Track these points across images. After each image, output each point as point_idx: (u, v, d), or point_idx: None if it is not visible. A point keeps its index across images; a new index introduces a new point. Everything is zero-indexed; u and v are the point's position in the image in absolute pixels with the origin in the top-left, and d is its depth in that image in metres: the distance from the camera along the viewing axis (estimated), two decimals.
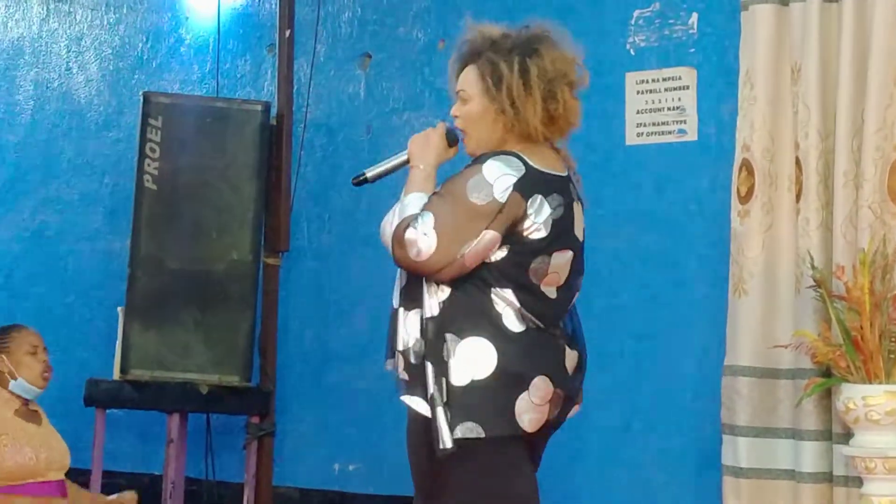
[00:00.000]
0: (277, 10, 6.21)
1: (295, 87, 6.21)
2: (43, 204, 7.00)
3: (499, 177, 3.63)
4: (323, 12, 6.31)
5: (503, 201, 3.62)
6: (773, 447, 5.06)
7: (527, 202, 3.65)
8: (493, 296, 3.66)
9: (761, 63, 5.15)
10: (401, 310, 3.72)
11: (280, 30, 6.16)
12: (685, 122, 5.48)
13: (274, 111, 6.09)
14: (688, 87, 5.48)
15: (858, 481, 4.71)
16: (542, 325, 3.70)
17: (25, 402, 5.01)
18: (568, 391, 3.77)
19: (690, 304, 5.39)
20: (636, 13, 5.61)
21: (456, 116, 3.82)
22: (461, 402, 3.60)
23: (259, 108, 6.04)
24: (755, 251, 5.11)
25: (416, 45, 6.14)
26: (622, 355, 5.45)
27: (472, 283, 3.66)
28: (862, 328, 4.68)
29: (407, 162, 3.81)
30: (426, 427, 3.63)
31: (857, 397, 4.63)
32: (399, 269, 3.75)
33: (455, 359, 3.61)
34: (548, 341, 3.73)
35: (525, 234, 3.66)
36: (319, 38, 6.29)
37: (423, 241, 3.58)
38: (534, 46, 3.75)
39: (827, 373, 4.84)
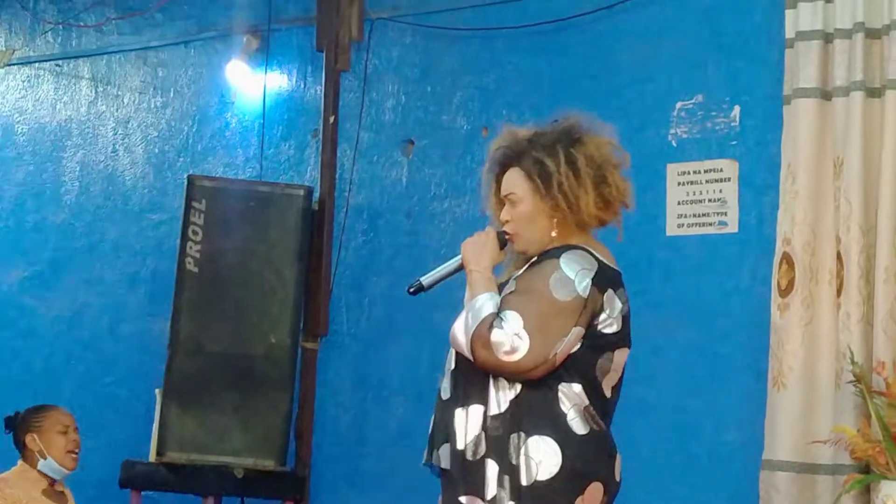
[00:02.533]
0: (322, 95, 6.26)
1: (338, 173, 6.25)
2: (85, 284, 7.05)
3: (578, 271, 3.61)
4: (367, 99, 6.36)
5: (586, 296, 3.59)
6: None
7: (603, 296, 3.63)
8: (559, 392, 3.61)
9: (803, 156, 5.15)
10: (458, 406, 3.66)
11: (324, 115, 6.22)
12: (726, 213, 5.47)
13: (316, 196, 6.12)
14: (729, 179, 5.48)
15: None
16: (602, 426, 3.66)
17: (52, 482, 5.01)
18: (612, 498, 3.73)
19: (729, 397, 5.35)
20: (679, 105, 5.63)
21: (506, 221, 3.78)
22: (527, 501, 3.56)
23: (301, 192, 6.08)
24: (795, 345, 5.08)
25: (459, 133, 6.17)
26: (659, 447, 5.40)
27: (543, 380, 3.61)
28: None
29: (461, 267, 3.79)
30: None
31: None
32: (448, 361, 3.72)
33: (523, 457, 3.57)
34: (606, 445, 3.68)
35: (599, 328, 3.64)
36: (363, 124, 6.34)
37: (515, 341, 3.53)
38: (574, 136, 3.74)
39: (866, 469, 4.79)
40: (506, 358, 3.54)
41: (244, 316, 5.96)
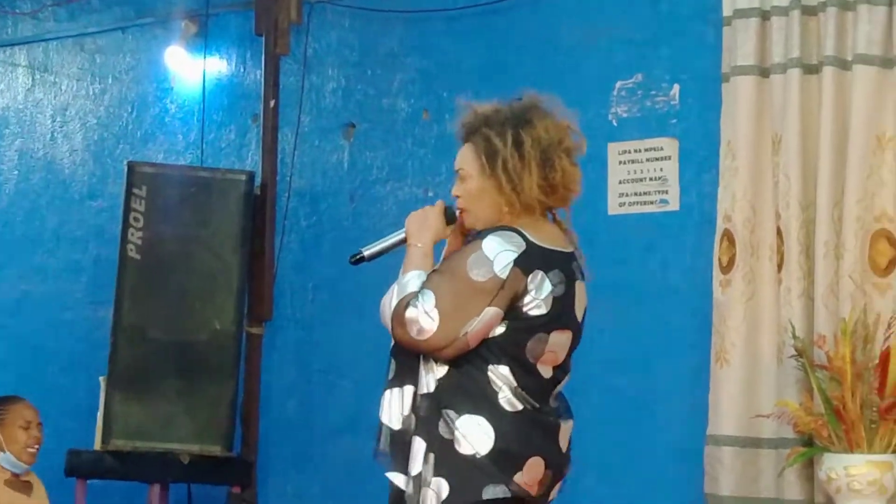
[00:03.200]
0: (262, 80, 6.24)
1: (279, 157, 6.23)
2: (26, 273, 7.00)
3: (499, 252, 3.61)
4: (307, 83, 6.35)
5: (504, 277, 3.59)
6: None
7: (527, 278, 3.62)
8: (489, 373, 3.63)
9: (742, 134, 5.19)
10: (394, 387, 3.70)
11: (265, 100, 6.20)
12: (667, 192, 5.50)
13: (258, 181, 6.11)
14: (670, 158, 5.51)
15: None
16: (536, 405, 3.66)
17: (16, 473, 4.99)
18: (559, 470, 3.76)
19: (673, 373, 5.39)
20: (618, 84, 5.65)
21: (457, 196, 3.80)
22: (458, 476, 3.57)
23: (243, 177, 6.06)
24: (737, 321, 5.12)
25: (400, 116, 6.17)
26: (604, 424, 5.43)
27: (469, 361, 3.63)
28: (843, 398, 4.70)
29: (405, 240, 3.79)
30: None
31: (839, 467, 4.64)
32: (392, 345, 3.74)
33: (453, 435, 3.58)
34: (542, 421, 3.69)
35: (524, 310, 3.64)
36: (304, 108, 6.32)
37: (425, 320, 3.56)
38: (526, 117, 3.73)
39: (809, 442, 4.84)
40: (417, 336, 3.58)
41: (187, 302, 5.95)
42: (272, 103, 6.18)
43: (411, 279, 3.65)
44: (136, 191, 5.96)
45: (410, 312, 3.57)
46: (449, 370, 3.63)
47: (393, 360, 3.73)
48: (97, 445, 5.88)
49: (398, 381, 3.69)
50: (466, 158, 3.77)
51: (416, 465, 3.61)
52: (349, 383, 6.08)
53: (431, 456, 3.59)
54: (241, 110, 6.59)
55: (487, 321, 3.60)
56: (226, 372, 5.90)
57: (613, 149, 5.63)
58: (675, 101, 5.52)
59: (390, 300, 3.65)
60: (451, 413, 3.59)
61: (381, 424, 3.71)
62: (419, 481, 3.59)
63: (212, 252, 5.98)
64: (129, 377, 5.88)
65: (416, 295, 3.60)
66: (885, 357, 4.71)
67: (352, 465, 5.94)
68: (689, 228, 5.43)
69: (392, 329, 3.63)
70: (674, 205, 5.48)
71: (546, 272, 3.66)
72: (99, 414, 5.89)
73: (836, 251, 4.96)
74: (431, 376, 3.64)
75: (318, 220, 6.34)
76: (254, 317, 6.07)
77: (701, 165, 5.42)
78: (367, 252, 3.82)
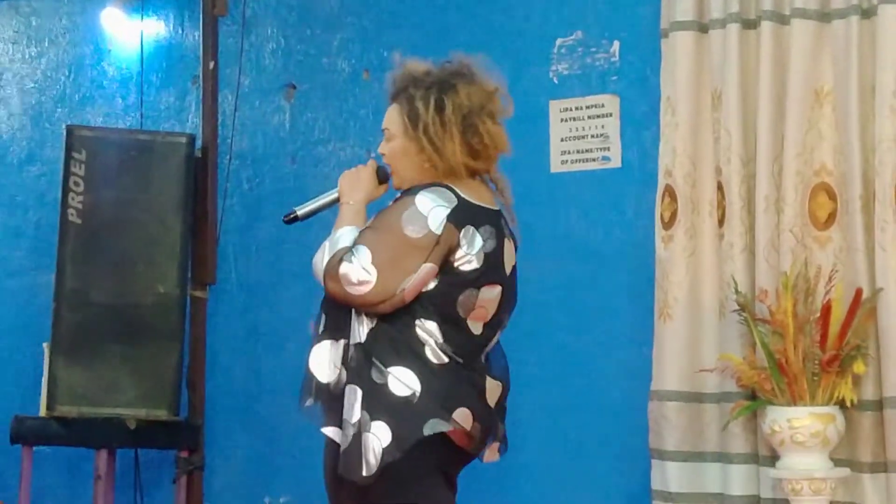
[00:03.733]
0: (201, 41, 6.18)
1: (220, 119, 6.19)
2: None
3: (432, 209, 3.66)
4: (247, 43, 6.30)
5: (438, 233, 3.65)
6: (701, 471, 5.09)
7: (460, 233, 3.68)
8: (416, 328, 3.68)
9: (682, 89, 5.21)
10: (323, 340, 3.73)
11: (204, 61, 6.14)
12: (609, 149, 5.52)
13: (199, 143, 6.06)
14: (611, 115, 5.52)
15: (786, 503, 4.76)
16: (460, 361, 3.71)
17: None
18: (489, 424, 3.79)
19: (616, 329, 5.42)
20: (558, 42, 5.65)
21: (383, 154, 3.86)
22: (397, 417, 3.61)
23: (184, 140, 6.02)
24: (679, 276, 5.15)
25: (340, 76, 6.15)
26: (548, 381, 5.46)
27: (398, 315, 3.68)
28: (786, 351, 4.74)
29: (338, 199, 3.84)
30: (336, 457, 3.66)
31: (783, 420, 4.69)
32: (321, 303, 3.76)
33: (384, 382, 3.62)
34: (468, 376, 3.74)
35: (456, 265, 3.69)
36: (243, 69, 6.28)
37: (362, 274, 3.60)
38: (451, 82, 3.79)
39: (752, 396, 4.89)
40: (353, 291, 3.62)
41: (130, 266, 5.91)
42: (211, 65, 6.12)
43: (343, 235, 3.70)
44: (75, 155, 5.91)
45: (344, 267, 3.61)
46: (378, 322, 3.68)
47: (323, 315, 3.77)
48: (42, 412, 5.84)
49: (329, 335, 3.73)
50: (392, 118, 3.84)
51: (354, 413, 3.62)
52: (294, 345, 6.05)
53: (367, 402, 3.62)
54: (180, 72, 6.53)
55: (423, 277, 3.66)
56: (171, 336, 5.88)
57: (555, 106, 5.63)
58: (616, 58, 5.53)
59: (322, 256, 3.69)
60: (379, 364, 3.64)
61: (310, 377, 3.74)
62: (358, 428, 3.60)
63: (154, 215, 5.94)
64: (72, 342, 5.84)
65: (349, 250, 3.64)
66: (826, 310, 4.75)
67: (298, 425, 5.93)
68: (630, 185, 5.45)
69: (324, 283, 3.67)
70: (616, 162, 5.49)
71: (477, 228, 3.71)
72: (43, 380, 5.85)
73: (777, 205, 5.00)
74: (363, 328, 3.68)
75: (260, 181, 6.32)
76: (197, 280, 6.03)
77: (642, 122, 5.44)
78: (300, 211, 3.87)
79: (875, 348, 4.79)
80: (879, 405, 4.78)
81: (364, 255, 3.62)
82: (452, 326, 3.71)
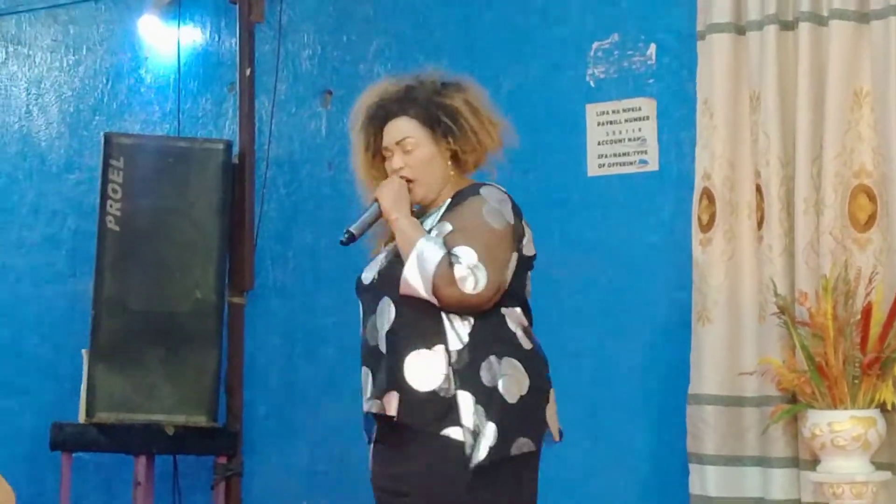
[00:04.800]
0: (238, 48, 6.20)
1: (256, 126, 6.21)
2: (4, 247, 6.96)
3: (500, 200, 3.77)
4: (283, 50, 6.32)
5: (513, 223, 3.76)
6: (740, 475, 5.06)
7: (522, 222, 3.81)
8: (507, 318, 3.75)
9: (719, 92, 5.18)
10: (409, 353, 3.69)
11: (240, 68, 6.17)
12: (646, 152, 5.49)
13: (236, 150, 6.08)
14: (648, 118, 5.50)
15: None
16: (538, 342, 3.82)
17: None
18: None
19: (655, 333, 5.39)
20: (595, 45, 5.64)
21: (400, 168, 3.85)
22: (515, 419, 3.65)
23: (221, 146, 6.04)
24: (718, 279, 5.13)
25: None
26: (585, 385, 5.44)
27: (491, 308, 3.73)
28: (826, 354, 4.70)
29: (381, 213, 3.83)
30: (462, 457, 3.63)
31: (823, 423, 4.65)
32: (377, 314, 3.75)
33: (497, 381, 3.65)
34: (543, 357, 3.83)
35: (524, 251, 3.81)
36: (280, 75, 6.29)
37: (476, 273, 3.64)
38: (453, 82, 3.88)
39: (793, 399, 4.85)
40: (470, 291, 3.64)
41: (168, 273, 5.93)
42: (248, 71, 6.15)
43: (426, 245, 3.69)
44: (113, 162, 5.94)
45: (459, 271, 3.64)
46: (476, 321, 3.71)
47: (389, 334, 3.73)
48: (81, 419, 5.86)
49: (422, 343, 3.69)
50: (410, 129, 3.84)
51: (467, 419, 3.63)
52: (332, 350, 6.07)
53: (481, 408, 3.63)
54: (217, 79, 6.55)
55: (512, 266, 3.76)
56: (208, 342, 5.89)
57: (591, 110, 5.62)
58: (652, 61, 5.51)
59: (418, 268, 3.67)
60: (493, 359, 3.68)
61: (407, 389, 3.67)
62: (473, 429, 3.62)
63: (191, 222, 5.96)
64: (111, 349, 5.85)
65: (453, 255, 3.66)
66: (866, 312, 4.72)
67: (336, 430, 5.94)
68: (668, 188, 5.43)
69: (437, 291, 3.65)
70: (653, 165, 5.47)
71: (523, 218, 3.84)
72: (82, 387, 5.87)
73: (816, 207, 4.97)
74: (461, 330, 3.70)
75: (297, 187, 6.33)
76: (235, 286, 6.05)
77: (679, 125, 5.41)
78: (355, 230, 3.85)
79: None
80: None
81: (468, 255, 3.65)
82: (526, 310, 3.83)
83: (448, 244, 3.69)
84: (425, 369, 3.67)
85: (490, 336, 3.71)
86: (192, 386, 5.86)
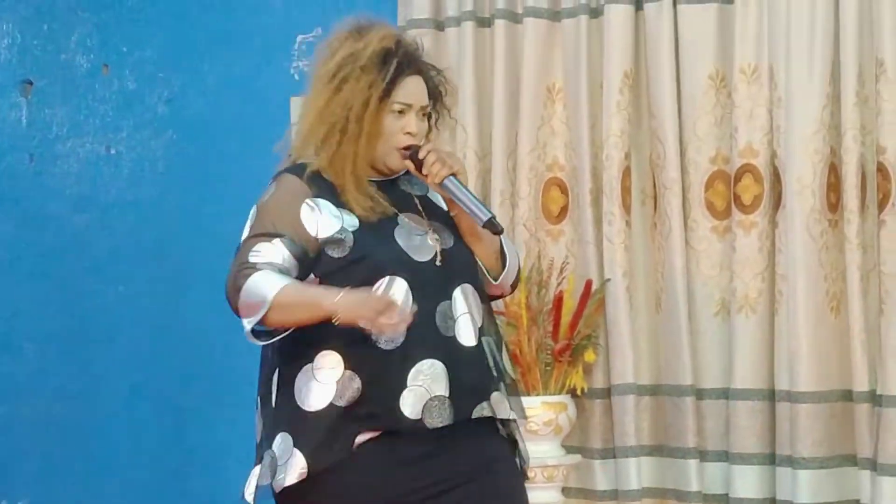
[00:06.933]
0: None
1: None
2: None
3: None
4: None
5: None
6: None
7: None
8: None
9: None
10: (484, 340, 3.36)
11: None
12: None
13: None
14: None
15: None
16: None
17: None
18: None
19: None
20: (299, 38, 5.67)
21: (414, 133, 3.42)
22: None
23: None
24: None
25: (79, 71, 6.04)
26: None
27: None
28: (520, 342, 4.84)
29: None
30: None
31: None
32: (452, 300, 3.30)
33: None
34: None
35: None
36: None
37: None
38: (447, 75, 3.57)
39: None
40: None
41: None
42: None
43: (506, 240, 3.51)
44: None
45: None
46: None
47: (471, 322, 3.29)
48: None
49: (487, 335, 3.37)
50: (425, 95, 3.41)
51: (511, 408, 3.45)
52: None
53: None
54: None
55: None
56: None
57: (296, 103, 5.63)
58: None
59: (517, 260, 3.49)
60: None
61: (481, 393, 3.33)
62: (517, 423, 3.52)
63: None
64: None
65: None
66: (557, 301, 4.87)
67: None
68: None
69: (514, 285, 3.51)
70: None
71: None
72: None
73: (512, 199, 5.11)
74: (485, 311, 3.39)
75: None
76: None
77: None
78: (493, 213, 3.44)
79: (604, 338, 4.93)
80: (608, 393, 4.92)
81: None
82: None
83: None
84: (493, 359, 3.38)
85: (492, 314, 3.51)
86: None
